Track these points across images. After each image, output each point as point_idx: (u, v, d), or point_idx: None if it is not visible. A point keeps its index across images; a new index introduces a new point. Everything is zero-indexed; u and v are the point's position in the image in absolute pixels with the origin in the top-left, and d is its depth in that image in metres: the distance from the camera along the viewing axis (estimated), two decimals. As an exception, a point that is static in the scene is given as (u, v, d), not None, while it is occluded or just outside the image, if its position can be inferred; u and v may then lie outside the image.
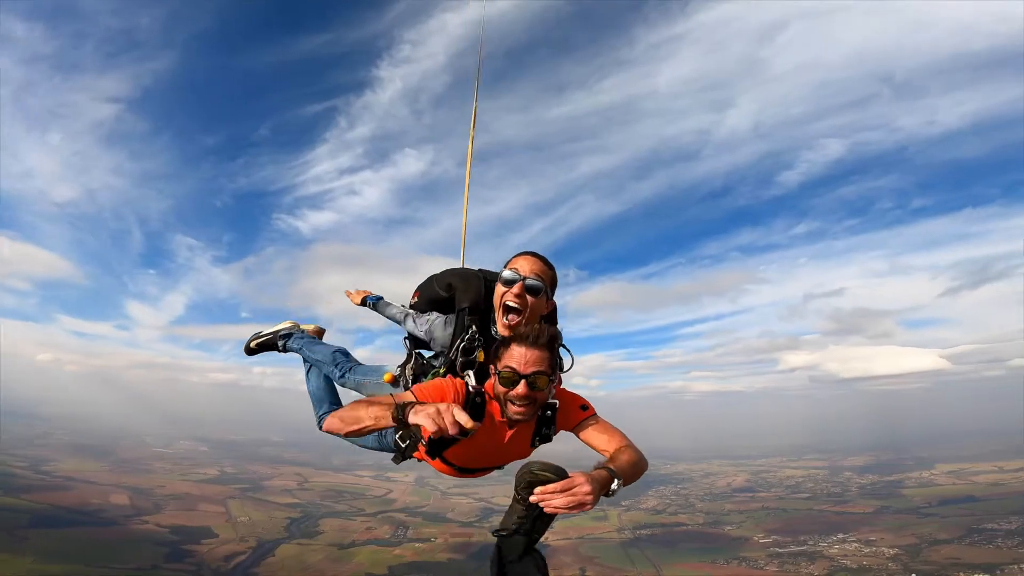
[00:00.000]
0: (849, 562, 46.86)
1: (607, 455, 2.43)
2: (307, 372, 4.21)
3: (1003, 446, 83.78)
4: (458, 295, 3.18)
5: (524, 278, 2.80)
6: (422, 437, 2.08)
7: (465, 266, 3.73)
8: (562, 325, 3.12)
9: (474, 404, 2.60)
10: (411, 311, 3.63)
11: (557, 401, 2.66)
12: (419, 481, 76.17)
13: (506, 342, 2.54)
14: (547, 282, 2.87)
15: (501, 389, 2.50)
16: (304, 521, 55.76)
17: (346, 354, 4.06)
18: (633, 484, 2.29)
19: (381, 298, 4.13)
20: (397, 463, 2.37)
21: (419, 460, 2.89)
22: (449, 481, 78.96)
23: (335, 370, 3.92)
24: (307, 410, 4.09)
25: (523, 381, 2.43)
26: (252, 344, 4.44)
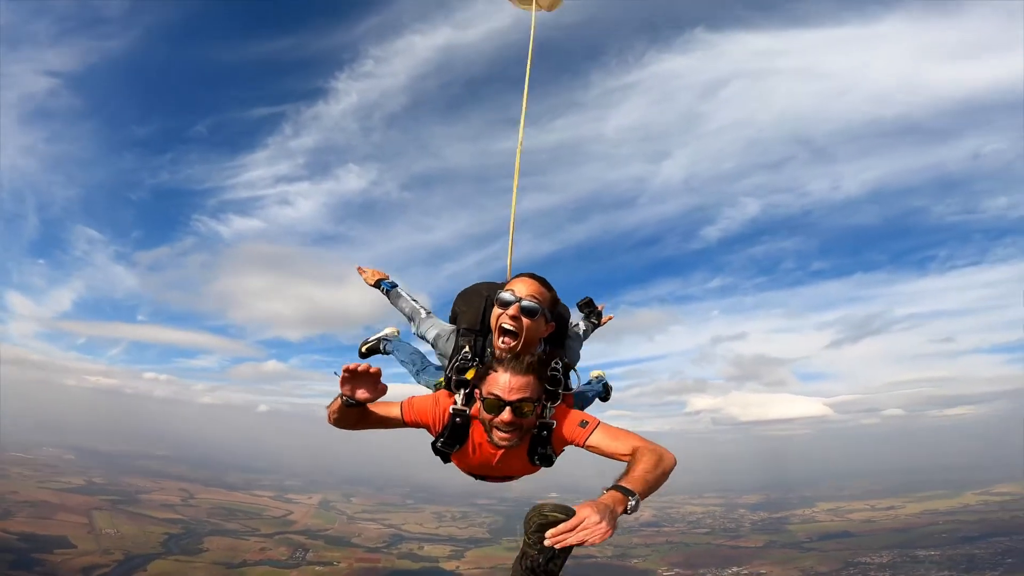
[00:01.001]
0: (741, 593, 49.79)
1: (625, 460, 2.40)
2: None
3: (876, 486, 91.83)
4: (459, 316, 3.22)
5: (520, 300, 2.75)
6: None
7: (489, 282, 3.50)
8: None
9: (454, 425, 2.66)
10: (424, 313, 3.68)
11: (555, 421, 2.62)
12: (324, 504, 71.49)
13: (492, 368, 2.53)
14: (545, 304, 2.82)
15: (486, 416, 2.50)
16: (185, 538, 49.70)
17: (421, 356, 4.05)
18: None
19: (396, 286, 4.03)
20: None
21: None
22: (357, 506, 74.78)
23: (412, 369, 3.95)
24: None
25: (508, 408, 2.43)
26: (363, 349, 4.50)
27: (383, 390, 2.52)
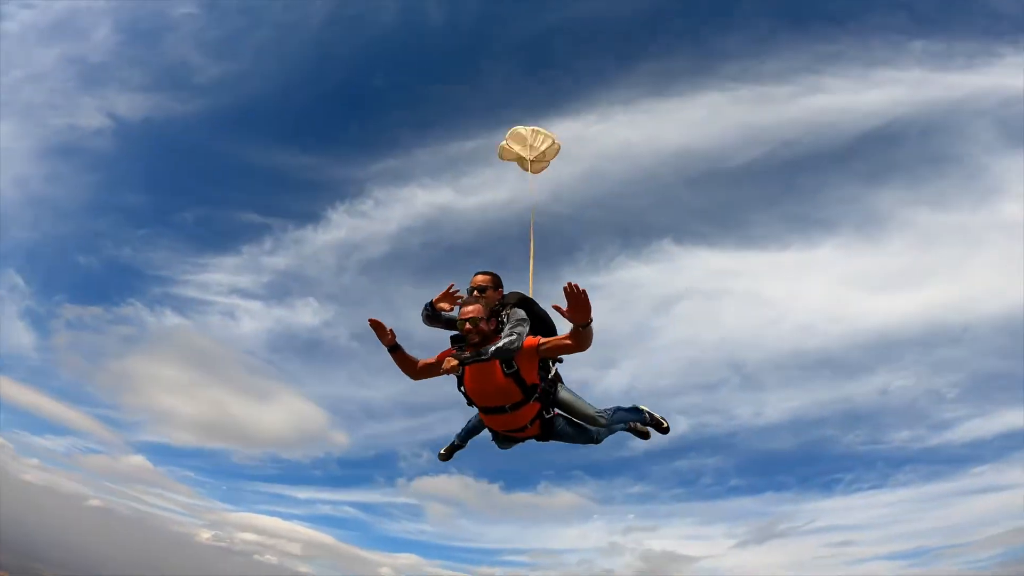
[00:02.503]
0: None
1: (568, 340, 3.31)
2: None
3: None
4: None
5: (471, 287, 3.97)
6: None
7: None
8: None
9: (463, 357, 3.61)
10: None
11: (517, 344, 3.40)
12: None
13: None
14: (488, 283, 3.95)
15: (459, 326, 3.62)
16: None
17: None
18: None
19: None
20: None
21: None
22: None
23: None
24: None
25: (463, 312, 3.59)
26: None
27: (391, 336, 3.72)
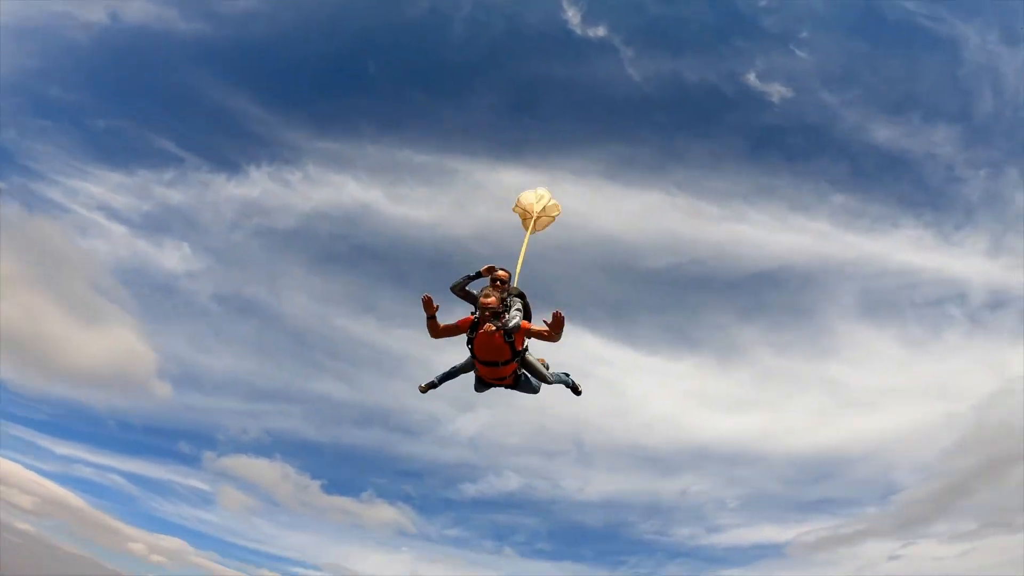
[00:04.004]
0: None
1: (546, 331, 5.23)
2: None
3: None
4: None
5: (495, 277, 5.96)
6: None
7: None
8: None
9: (474, 322, 5.49)
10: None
11: (519, 326, 5.42)
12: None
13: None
14: (507, 278, 6.01)
15: (481, 303, 5.41)
16: None
17: None
18: None
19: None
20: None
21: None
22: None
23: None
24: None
25: (483, 301, 5.39)
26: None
27: (435, 307, 5.43)
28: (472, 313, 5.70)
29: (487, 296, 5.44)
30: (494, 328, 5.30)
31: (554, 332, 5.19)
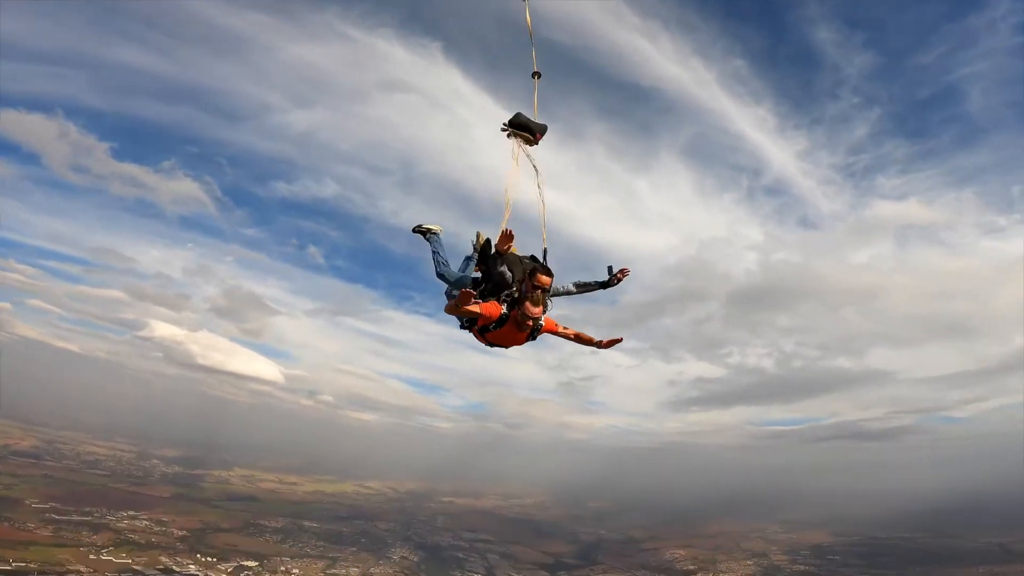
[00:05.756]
0: (137, 537, 49.36)
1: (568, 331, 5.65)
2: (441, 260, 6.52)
3: (286, 463, 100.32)
4: (509, 266, 5.61)
5: (548, 288, 5.50)
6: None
7: (524, 259, 5.90)
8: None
9: (502, 318, 5.35)
10: (468, 257, 6.53)
11: (543, 323, 5.42)
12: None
13: (527, 299, 5.26)
14: (549, 286, 5.51)
15: (526, 314, 5.25)
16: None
17: (446, 259, 6.50)
18: None
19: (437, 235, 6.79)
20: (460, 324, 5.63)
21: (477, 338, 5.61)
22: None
23: (439, 259, 6.45)
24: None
25: (533, 321, 5.33)
26: (414, 228, 6.76)
27: (511, 242, 5.41)
28: (500, 302, 5.47)
29: (536, 304, 5.27)
30: (525, 334, 5.45)
31: (603, 347, 5.73)
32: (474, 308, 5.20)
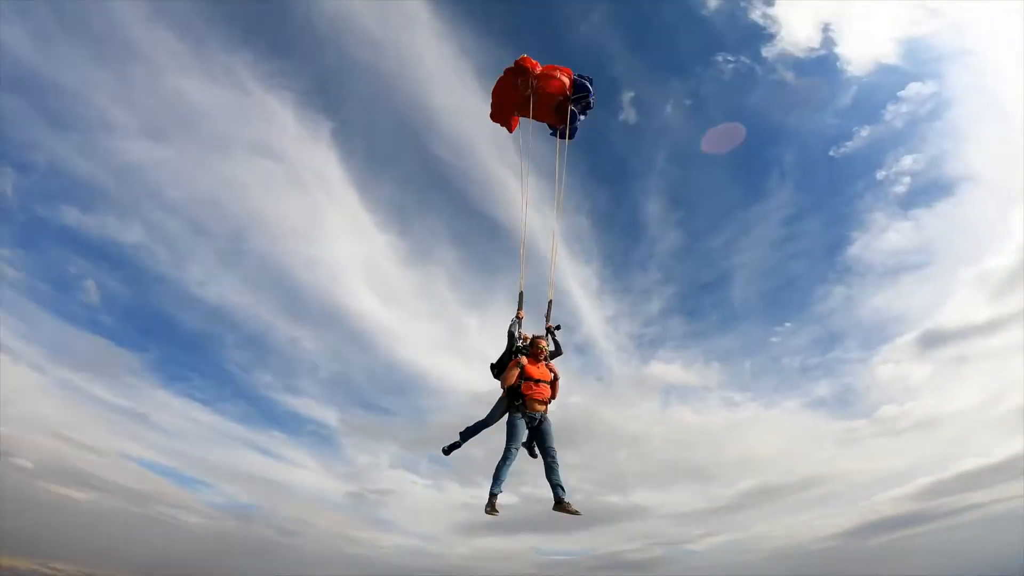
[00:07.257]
0: None
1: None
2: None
3: None
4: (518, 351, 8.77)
5: (545, 358, 8.67)
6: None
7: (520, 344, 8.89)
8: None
9: (522, 368, 8.35)
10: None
11: (555, 373, 8.56)
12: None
13: (528, 358, 8.52)
14: (544, 350, 8.68)
15: (527, 373, 8.32)
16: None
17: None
18: None
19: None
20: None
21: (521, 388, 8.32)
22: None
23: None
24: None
25: (537, 380, 8.38)
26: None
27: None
28: (514, 360, 8.48)
29: (540, 350, 8.58)
30: (542, 363, 8.53)
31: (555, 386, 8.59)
32: (516, 370, 8.28)
